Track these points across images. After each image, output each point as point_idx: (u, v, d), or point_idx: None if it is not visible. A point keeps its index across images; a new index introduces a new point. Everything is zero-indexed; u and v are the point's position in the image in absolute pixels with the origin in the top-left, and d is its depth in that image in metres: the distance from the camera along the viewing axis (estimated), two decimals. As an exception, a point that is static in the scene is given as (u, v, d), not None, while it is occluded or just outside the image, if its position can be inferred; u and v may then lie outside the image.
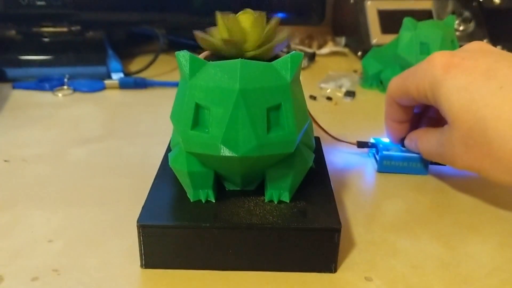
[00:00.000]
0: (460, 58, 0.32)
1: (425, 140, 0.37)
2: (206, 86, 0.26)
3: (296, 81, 0.27)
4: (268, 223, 0.27)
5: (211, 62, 0.27)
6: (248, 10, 0.30)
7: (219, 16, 0.30)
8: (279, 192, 0.30)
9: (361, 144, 0.43)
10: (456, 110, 0.31)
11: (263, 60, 0.27)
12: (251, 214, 0.28)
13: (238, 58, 0.27)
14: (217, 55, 0.30)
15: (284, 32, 0.31)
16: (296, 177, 0.29)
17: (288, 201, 0.30)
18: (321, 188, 0.31)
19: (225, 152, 0.26)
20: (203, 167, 0.29)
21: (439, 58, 0.33)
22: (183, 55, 0.26)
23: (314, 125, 0.41)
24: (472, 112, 0.30)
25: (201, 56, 0.30)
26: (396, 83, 0.38)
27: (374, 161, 0.42)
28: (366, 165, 0.42)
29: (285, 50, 0.32)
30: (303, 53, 0.27)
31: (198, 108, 0.26)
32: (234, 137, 0.25)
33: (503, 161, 0.30)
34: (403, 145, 0.41)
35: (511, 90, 0.30)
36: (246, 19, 0.30)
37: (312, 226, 0.27)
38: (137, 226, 0.27)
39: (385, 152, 0.40)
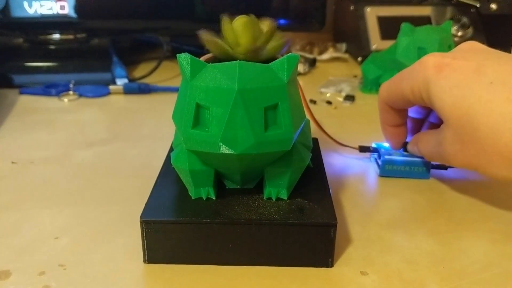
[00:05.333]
0: (451, 58, 0.33)
1: (424, 141, 0.37)
2: (206, 87, 0.27)
3: (292, 81, 0.28)
4: (266, 219, 0.28)
5: (211, 64, 0.28)
6: (242, 16, 0.31)
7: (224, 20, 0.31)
8: (277, 189, 0.31)
9: (363, 149, 0.43)
10: (449, 108, 0.32)
11: (260, 62, 0.28)
12: (250, 211, 0.29)
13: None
14: (218, 58, 0.31)
15: (281, 38, 0.32)
16: (293, 175, 0.31)
17: (286, 198, 0.31)
18: (318, 186, 0.32)
19: (224, 149, 0.27)
20: (204, 165, 0.30)
21: (431, 59, 0.33)
22: (184, 57, 0.28)
23: (319, 130, 0.42)
24: (464, 108, 0.31)
25: (202, 58, 0.31)
26: (388, 87, 0.38)
27: (375, 165, 0.43)
28: (367, 169, 0.43)
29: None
30: (299, 55, 0.28)
31: (198, 108, 0.27)
32: (233, 136, 0.27)
33: (498, 156, 0.30)
34: (404, 150, 0.41)
35: (501, 85, 0.30)
36: (239, 23, 0.31)
37: (309, 221, 0.28)
38: (140, 222, 0.29)
39: (387, 157, 0.40)
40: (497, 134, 0.29)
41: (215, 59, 0.31)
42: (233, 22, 0.31)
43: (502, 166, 0.30)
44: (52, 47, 0.70)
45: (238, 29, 0.30)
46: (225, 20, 0.31)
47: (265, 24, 0.32)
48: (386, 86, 0.38)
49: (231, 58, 0.29)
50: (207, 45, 0.31)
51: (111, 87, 0.62)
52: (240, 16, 0.31)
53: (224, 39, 0.31)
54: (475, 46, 0.35)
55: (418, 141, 0.38)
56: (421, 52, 0.55)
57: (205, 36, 0.31)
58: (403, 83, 0.36)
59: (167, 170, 0.34)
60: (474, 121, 0.30)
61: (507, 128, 0.29)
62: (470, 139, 0.31)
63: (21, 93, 0.61)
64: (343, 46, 0.81)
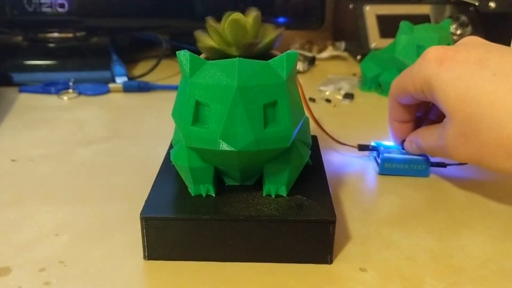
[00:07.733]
0: (453, 51, 0.33)
1: (426, 136, 0.37)
2: (205, 84, 0.27)
3: (291, 78, 0.28)
4: (265, 216, 0.29)
5: (210, 61, 0.28)
6: (227, 14, 0.31)
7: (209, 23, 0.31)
8: (276, 186, 0.31)
9: (362, 147, 0.43)
10: (452, 101, 0.32)
11: (259, 59, 0.28)
12: (250, 207, 0.29)
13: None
14: (218, 54, 0.31)
15: (275, 31, 0.32)
16: (292, 172, 0.31)
17: (285, 195, 0.31)
18: (317, 183, 0.33)
19: (224, 146, 0.27)
20: (204, 162, 0.30)
21: (432, 53, 0.33)
22: (184, 55, 0.28)
23: (318, 129, 0.43)
24: (468, 100, 0.31)
25: (201, 56, 0.31)
26: (396, 83, 0.38)
27: (374, 163, 0.43)
28: (366, 167, 0.43)
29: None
30: (298, 52, 0.28)
31: (198, 105, 0.27)
32: (233, 132, 0.27)
33: (501, 148, 0.30)
34: (403, 148, 0.41)
35: (503, 76, 0.30)
36: (225, 24, 0.30)
37: (308, 218, 0.29)
38: (140, 218, 0.29)
39: (386, 155, 0.41)
40: (500, 126, 0.29)
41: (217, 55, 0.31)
42: (220, 23, 0.31)
43: (505, 158, 0.30)
44: (51, 45, 0.70)
45: (225, 29, 0.30)
46: (209, 23, 0.31)
47: (249, 18, 0.31)
48: (395, 82, 0.39)
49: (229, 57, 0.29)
50: (204, 52, 0.31)
51: (111, 85, 0.62)
52: (225, 16, 0.31)
53: (215, 41, 0.31)
54: (476, 40, 0.35)
55: (419, 136, 0.38)
56: (420, 50, 0.55)
57: (200, 41, 0.31)
58: (406, 78, 0.36)
59: (167, 167, 0.34)
60: (478, 114, 0.30)
61: (510, 120, 0.29)
62: (473, 132, 0.31)
63: (21, 91, 0.61)
64: (342, 45, 0.82)
